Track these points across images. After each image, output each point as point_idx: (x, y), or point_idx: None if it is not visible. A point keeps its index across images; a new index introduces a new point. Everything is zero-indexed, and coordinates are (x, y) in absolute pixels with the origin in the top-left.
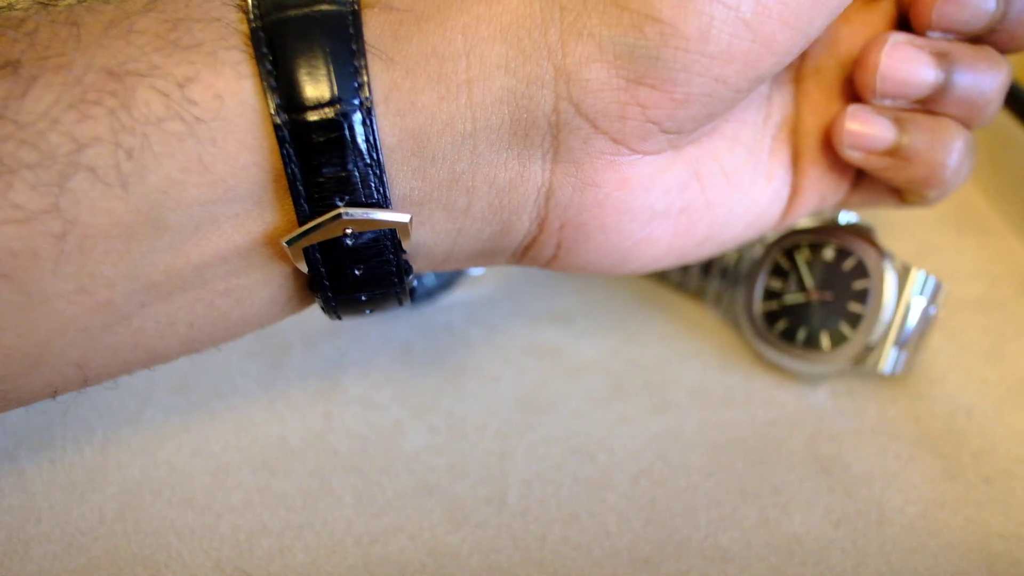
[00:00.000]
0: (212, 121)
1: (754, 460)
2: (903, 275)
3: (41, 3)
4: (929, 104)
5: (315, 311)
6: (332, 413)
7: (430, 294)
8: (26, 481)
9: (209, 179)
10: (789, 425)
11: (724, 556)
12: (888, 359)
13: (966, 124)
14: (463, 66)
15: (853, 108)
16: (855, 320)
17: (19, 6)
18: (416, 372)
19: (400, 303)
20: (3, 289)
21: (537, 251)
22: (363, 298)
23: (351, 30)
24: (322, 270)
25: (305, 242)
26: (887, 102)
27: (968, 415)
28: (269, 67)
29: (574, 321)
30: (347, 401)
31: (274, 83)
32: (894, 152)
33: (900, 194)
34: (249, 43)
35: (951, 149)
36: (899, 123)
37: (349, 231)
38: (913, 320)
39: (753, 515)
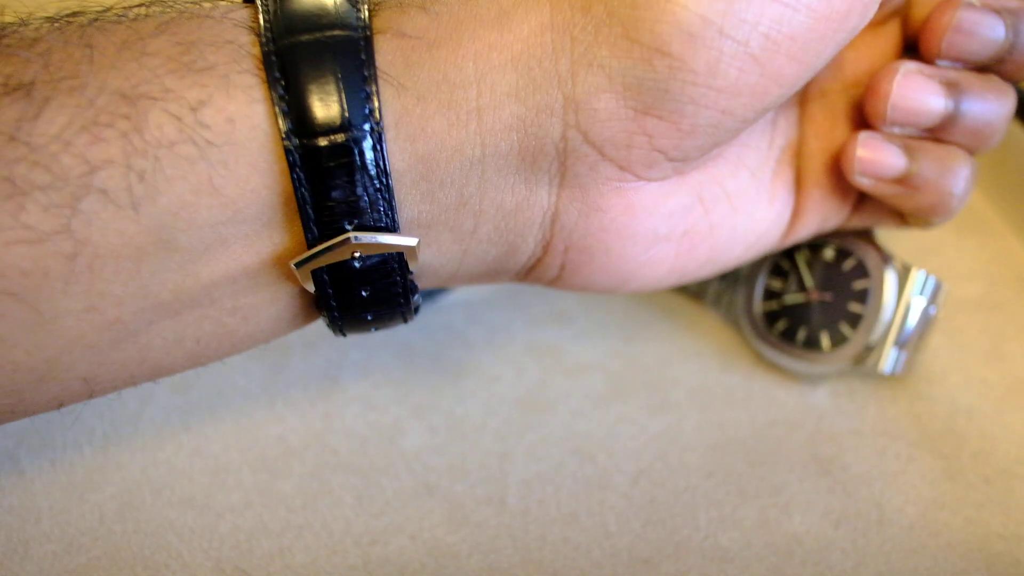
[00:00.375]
0: (223, 145)
1: (754, 460)
2: (903, 275)
3: (53, 19)
4: (937, 132)
5: None
6: (332, 413)
7: (430, 295)
8: (26, 481)
9: (219, 201)
10: (789, 425)
11: (724, 556)
12: (888, 359)
13: (971, 151)
14: (474, 93)
15: (864, 135)
16: (855, 320)
17: (32, 24)
18: (416, 372)
19: (405, 321)
20: (13, 307)
21: (541, 271)
22: (369, 317)
23: (363, 56)
24: (329, 291)
25: (313, 265)
26: (896, 130)
27: (968, 415)
28: (281, 91)
29: (574, 321)
30: (347, 401)
31: (286, 107)
32: (903, 180)
33: (902, 217)
34: (261, 67)
35: (959, 177)
36: (908, 151)
37: (357, 254)
38: (913, 320)
39: (753, 515)
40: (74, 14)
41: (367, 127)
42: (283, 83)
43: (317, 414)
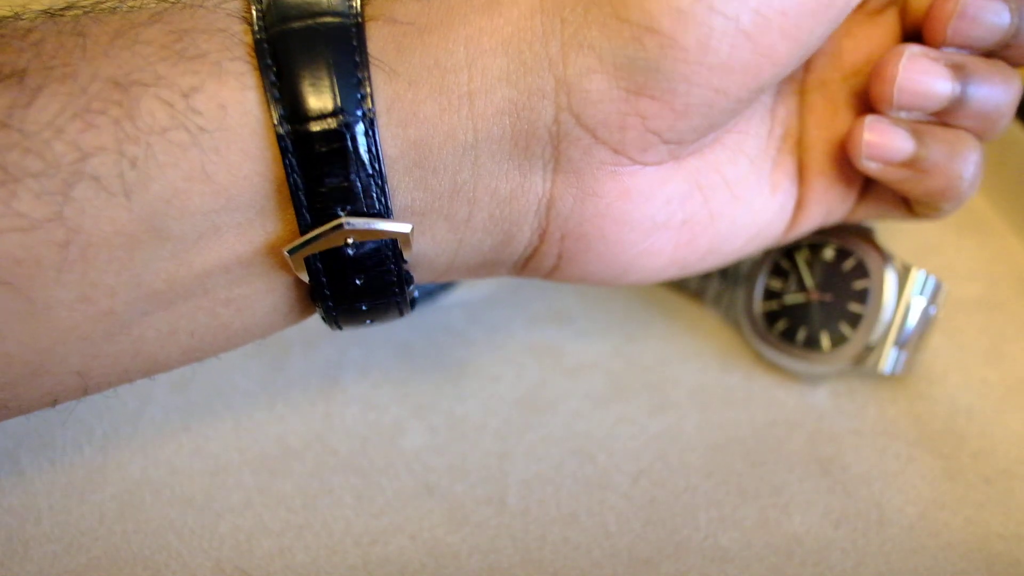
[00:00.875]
0: (215, 131)
1: (754, 460)
2: (903, 275)
3: (48, 13)
4: (944, 117)
5: None
6: (332, 413)
7: (430, 294)
8: (26, 481)
9: (212, 188)
10: (789, 425)
11: (724, 556)
12: (888, 359)
13: (979, 136)
14: (465, 78)
15: (871, 119)
16: (855, 320)
17: (26, 16)
18: (416, 372)
19: (401, 314)
20: (6, 296)
21: (538, 262)
22: (364, 307)
23: (354, 42)
24: (323, 279)
25: (307, 251)
26: (903, 114)
27: (968, 415)
28: (273, 78)
29: (574, 321)
30: (347, 401)
31: (277, 94)
32: (912, 164)
33: (909, 206)
34: (253, 54)
35: (968, 161)
36: (916, 134)
37: (350, 240)
38: (913, 320)
39: (753, 515)
40: (68, 7)
41: (359, 112)
42: (275, 70)
43: (317, 414)
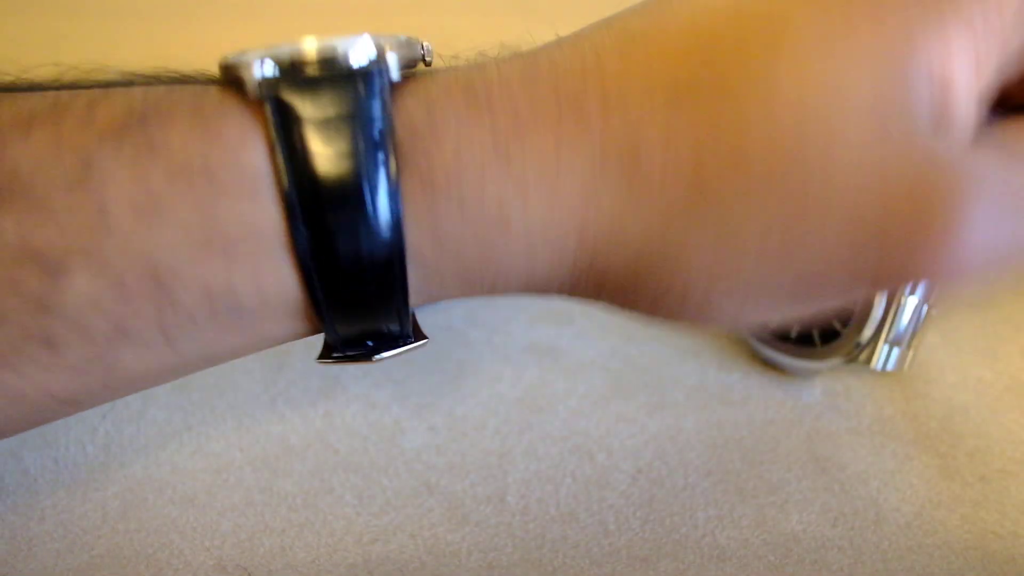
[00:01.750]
0: (255, 309)
1: (752, 459)
2: None
3: (45, 120)
4: None
5: None
6: (333, 412)
7: None
8: (29, 480)
9: (254, 341)
10: (787, 424)
11: (722, 555)
12: (880, 356)
13: None
14: (490, 278)
15: None
16: (846, 317)
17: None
18: (416, 372)
19: None
20: (52, 403)
21: None
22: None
23: (396, 272)
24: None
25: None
26: None
27: (964, 414)
28: (312, 276)
29: (573, 321)
30: (347, 400)
31: (321, 294)
32: None
33: None
34: (293, 252)
35: None
36: None
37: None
38: (905, 317)
39: (751, 514)
40: (63, 105)
41: (393, 310)
42: (316, 274)
43: (318, 413)
